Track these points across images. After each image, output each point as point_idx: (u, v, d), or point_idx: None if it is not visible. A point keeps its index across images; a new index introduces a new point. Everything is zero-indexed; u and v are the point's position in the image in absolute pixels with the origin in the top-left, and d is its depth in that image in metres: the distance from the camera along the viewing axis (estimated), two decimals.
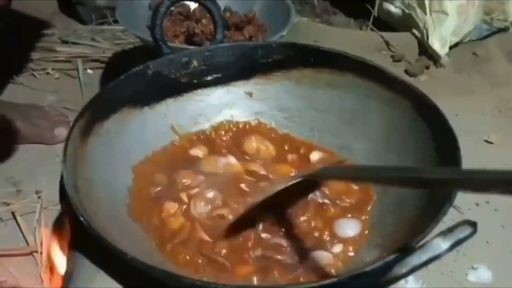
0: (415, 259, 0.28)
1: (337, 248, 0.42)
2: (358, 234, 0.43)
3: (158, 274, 0.34)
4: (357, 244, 0.41)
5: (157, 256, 0.41)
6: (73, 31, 1.08)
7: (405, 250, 0.28)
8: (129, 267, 0.33)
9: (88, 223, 0.35)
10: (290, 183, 0.43)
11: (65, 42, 1.04)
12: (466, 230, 0.29)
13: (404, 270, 0.28)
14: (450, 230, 0.29)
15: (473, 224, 0.29)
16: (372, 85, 0.51)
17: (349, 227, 0.44)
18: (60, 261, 0.52)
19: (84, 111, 0.45)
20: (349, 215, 0.46)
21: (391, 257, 0.29)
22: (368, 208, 0.46)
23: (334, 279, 0.30)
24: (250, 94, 0.58)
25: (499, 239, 0.60)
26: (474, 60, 0.98)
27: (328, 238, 0.43)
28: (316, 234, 0.43)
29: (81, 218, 0.36)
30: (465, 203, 0.64)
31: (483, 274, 0.55)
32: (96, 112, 0.47)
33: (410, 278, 0.51)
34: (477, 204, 0.65)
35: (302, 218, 0.45)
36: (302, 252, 0.42)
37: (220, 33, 0.56)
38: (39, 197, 0.67)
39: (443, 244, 0.28)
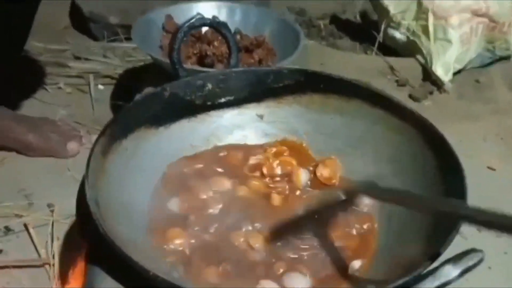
0: (427, 284, 0.29)
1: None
2: None
3: None
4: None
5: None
6: (85, 47, 1.11)
7: (414, 275, 0.30)
8: (149, 284, 0.35)
9: (111, 241, 0.37)
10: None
11: (77, 57, 1.06)
12: (474, 258, 0.30)
13: None
14: (459, 257, 0.30)
15: (480, 252, 0.31)
16: (380, 113, 0.53)
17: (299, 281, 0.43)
18: (72, 273, 0.53)
19: (105, 129, 0.47)
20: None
21: (400, 281, 0.30)
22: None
23: None
24: (261, 117, 0.60)
25: (502, 265, 0.61)
26: (476, 87, 1.01)
27: None
28: None
29: (105, 235, 0.37)
30: (468, 228, 0.65)
31: None
32: (117, 130, 0.49)
33: None
34: (479, 230, 0.67)
35: None
36: None
37: (235, 58, 0.58)
38: (51, 211, 0.69)
39: (453, 271, 0.29)
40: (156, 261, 0.41)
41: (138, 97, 0.53)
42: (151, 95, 0.53)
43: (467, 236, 0.61)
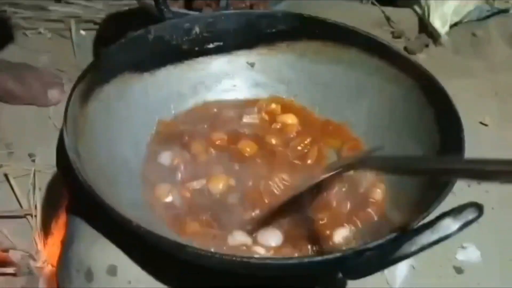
0: (425, 238, 0.28)
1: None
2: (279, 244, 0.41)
3: (164, 243, 0.34)
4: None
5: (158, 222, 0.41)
6: None
7: (408, 229, 0.29)
8: (132, 234, 0.33)
9: (93, 190, 0.35)
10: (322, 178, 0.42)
11: (58, 1, 1.01)
12: (474, 212, 0.29)
13: (413, 248, 0.28)
14: (459, 211, 0.29)
15: (480, 206, 0.30)
16: (377, 62, 0.51)
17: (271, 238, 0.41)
18: (55, 224, 0.52)
19: (85, 74, 0.44)
20: None
21: (393, 235, 0.29)
22: None
23: (337, 254, 0.31)
24: (251, 65, 0.57)
25: (489, 220, 0.61)
26: (473, 41, 0.97)
27: None
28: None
29: (84, 183, 0.35)
30: (457, 184, 0.65)
31: (472, 253, 0.56)
32: (97, 75, 0.46)
33: None
34: (468, 186, 0.66)
35: None
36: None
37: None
38: (32, 160, 0.66)
39: (452, 225, 0.28)
40: (142, 214, 0.40)
41: (120, 40, 0.49)
42: (134, 38, 0.50)
43: (456, 191, 0.61)
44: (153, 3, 0.54)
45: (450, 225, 0.28)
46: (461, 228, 0.28)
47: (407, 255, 0.29)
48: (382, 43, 0.51)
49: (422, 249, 0.28)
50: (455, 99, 0.86)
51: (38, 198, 0.61)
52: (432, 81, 0.46)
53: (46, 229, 0.57)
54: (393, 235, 0.29)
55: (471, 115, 0.78)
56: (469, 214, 0.28)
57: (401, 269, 0.51)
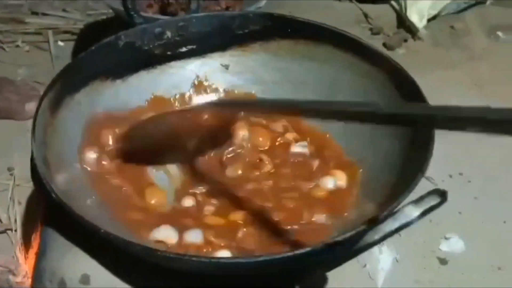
0: (387, 226, 0.28)
1: None
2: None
3: (133, 249, 0.33)
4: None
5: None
6: (43, 1, 1.04)
7: (377, 219, 0.29)
8: (103, 242, 0.33)
9: (60, 199, 0.34)
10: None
11: (35, 13, 1.00)
12: (436, 199, 0.29)
13: (376, 237, 0.28)
14: (421, 198, 0.29)
15: (443, 193, 0.30)
16: (349, 57, 0.51)
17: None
18: (35, 238, 0.51)
19: (54, 83, 0.44)
20: None
21: (363, 227, 0.29)
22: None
23: (307, 249, 0.31)
24: (226, 67, 0.57)
25: (472, 210, 0.61)
26: (451, 34, 0.98)
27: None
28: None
29: (53, 194, 0.35)
30: (439, 174, 0.64)
31: (455, 243, 0.56)
32: (66, 84, 0.45)
33: (384, 247, 0.52)
34: (450, 176, 0.66)
35: None
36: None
37: (195, 2, 0.55)
38: (11, 174, 0.66)
39: (414, 212, 0.28)
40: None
41: (90, 48, 0.49)
42: (104, 45, 0.49)
43: (438, 182, 0.61)
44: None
45: (411, 212, 0.28)
46: (422, 215, 0.28)
47: (371, 244, 0.28)
48: (353, 38, 0.51)
49: (386, 237, 0.28)
50: (435, 90, 0.86)
51: (18, 212, 0.61)
52: (402, 73, 0.46)
53: (26, 243, 0.56)
54: (362, 227, 0.29)
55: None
56: (431, 201, 0.28)
57: (384, 262, 0.50)
